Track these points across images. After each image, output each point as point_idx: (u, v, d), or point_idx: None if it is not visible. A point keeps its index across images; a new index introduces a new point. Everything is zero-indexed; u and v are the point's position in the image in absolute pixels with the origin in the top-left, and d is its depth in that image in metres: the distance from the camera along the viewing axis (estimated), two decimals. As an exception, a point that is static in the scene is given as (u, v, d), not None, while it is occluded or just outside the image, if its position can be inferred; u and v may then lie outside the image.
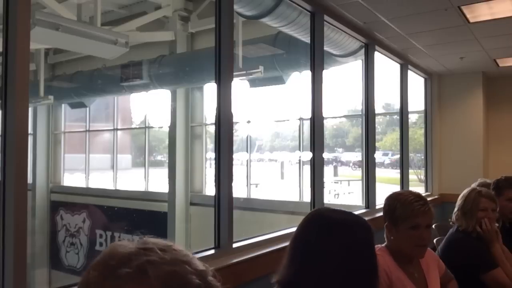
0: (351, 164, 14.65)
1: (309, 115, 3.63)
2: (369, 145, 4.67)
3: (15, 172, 1.64)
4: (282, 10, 3.68)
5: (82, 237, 9.82)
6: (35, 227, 10.01)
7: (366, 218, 1.34)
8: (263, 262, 2.54)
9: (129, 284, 0.60)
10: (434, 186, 6.38)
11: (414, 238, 1.81)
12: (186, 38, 7.95)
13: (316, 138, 3.57)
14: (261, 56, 6.37)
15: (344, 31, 4.13)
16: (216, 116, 2.66)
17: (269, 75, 6.35)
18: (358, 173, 6.45)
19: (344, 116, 14.69)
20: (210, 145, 8.43)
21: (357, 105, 7.34)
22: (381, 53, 4.95)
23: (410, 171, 6.18)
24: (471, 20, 3.96)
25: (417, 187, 7.00)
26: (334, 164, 15.07)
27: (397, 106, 5.87)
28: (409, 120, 6.17)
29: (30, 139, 10.01)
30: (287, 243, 1.34)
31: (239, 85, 6.53)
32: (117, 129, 10.78)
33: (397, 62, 5.51)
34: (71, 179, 11.43)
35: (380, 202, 4.57)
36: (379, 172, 5.13)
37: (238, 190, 7.91)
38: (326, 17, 3.69)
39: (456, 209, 2.58)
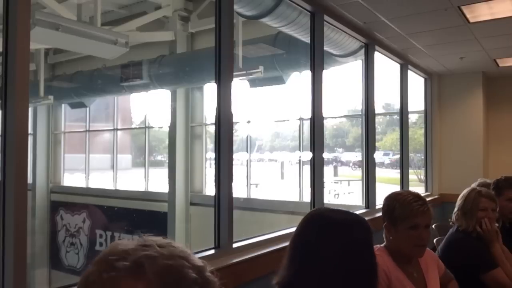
0: (351, 164, 14.65)
1: (309, 115, 3.63)
2: (369, 145, 4.67)
3: (15, 172, 1.64)
4: (282, 10, 3.68)
5: (82, 237, 9.82)
6: (35, 227, 10.01)
7: (366, 218, 1.34)
8: (263, 262, 2.54)
9: (126, 276, 0.61)
10: (434, 186, 6.38)
11: (413, 238, 1.81)
12: (186, 38, 7.95)
13: (316, 138, 3.58)
14: (261, 56, 6.37)
15: (344, 31, 4.13)
16: (216, 116, 2.66)
17: (269, 75, 6.35)
18: (358, 173, 6.44)
19: (344, 116, 14.68)
20: (210, 145, 8.43)
21: (357, 105, 7.33)
22: (381, 53, 4.95)
23: (410, 171, 6.18)
24: (471, 20, 3.96)
25: (417, 187, 7.00)
26: (334, 164, 15.06)
27: (397, 106, 5.87)
28: (409, 120, 6.17)
29: (30, 139, 10.01)
30: (287, 243, 1.34)
31: (239, 85, 6.54)
32: (117, 129, 10.78)
33: (397, 62, 5.51)
34: (71, 179, 11.43)
35: (380, 202, 4.56)
36: (379, 172, 5.13)
37: (238, 190, 7.91)
38: (326, 17, 3.69)
39: (456, 209, 2.58)
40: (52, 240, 10.34)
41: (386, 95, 7.55)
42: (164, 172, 9.09)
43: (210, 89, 8.06)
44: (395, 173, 7.03)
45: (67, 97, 9.94)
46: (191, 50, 8.02)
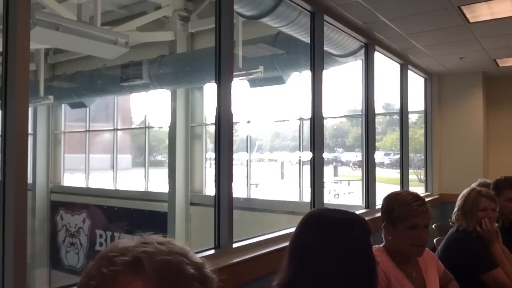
0: (351, 164, 14.64)
1: (309, 115, 3.63)
2: (369, 145, 4.67)
3: (15, 172, 1.64)
4: (282, 10, 3.68)
5: (82, 237, 9.82)
6: (35, 227, 10.01)
7: (366, 218, 1.34)
8: (263, 262, 2.54)
9: (125, 271, 0.62)
10: (434, 186, 6.38)
11: (413, 238, 1.81)
12: (186, 38, 7.95)
13: (316, 138, 3.58)
14: (261, 56, 6.37)
15: (344, 31, 4.13)
16: (216, 116, 2.66)
17: (269, 75, 6.35)
18: (358, 173, 6.44)
19: (344, 116, 14.67)
20: (210, 145, 8.43)
21: (357, 105, 7.33)
22: (381, 53, 4.95)
23: (410, 171, 6.18)
24: (471, 20, 3.96)
25: (417, 187, 7.00)
26: (334, 164, 15.06)
27: (397, 106, 5.87)
28: (409, 120, 6.17)
29: (30, 139, 10.01)
30: (287, 243, 1.34)
31: (239, 85, 6.53)
32: (117, 129, 10.78)
33: (397, 62, 5.51)
34: (71, 179, 11.43)
35: (380, 202, 4.57)
36: (379, 172, 5.13)
37: (238, 190, 7.91)
38: (326, 17, 3.70)
39: (456, 209, 2.58)
40: (52, 240, 10.34)
41: (386, 95, 7.56)
42: (164, 172, 9.09)
43: (210, 89, 8.07)
44: (395, 173, 7.03)
45: (67, 97, 9.94)
46: (191, 50, 8.01)
